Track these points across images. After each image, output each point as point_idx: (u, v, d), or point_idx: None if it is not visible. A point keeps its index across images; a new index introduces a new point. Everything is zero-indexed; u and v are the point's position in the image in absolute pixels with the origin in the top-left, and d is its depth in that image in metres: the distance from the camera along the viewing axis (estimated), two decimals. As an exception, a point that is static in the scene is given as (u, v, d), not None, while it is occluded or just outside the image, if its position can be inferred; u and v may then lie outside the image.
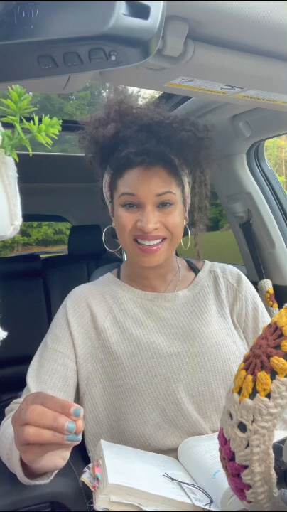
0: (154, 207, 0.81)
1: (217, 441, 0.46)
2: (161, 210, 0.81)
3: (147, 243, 0.81)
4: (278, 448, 0.45)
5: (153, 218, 0.79)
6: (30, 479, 0.64)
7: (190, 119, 0.83)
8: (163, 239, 0.82)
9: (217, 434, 0.46)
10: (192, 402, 0.81)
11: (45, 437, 0.53)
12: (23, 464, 0.63)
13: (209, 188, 0.90)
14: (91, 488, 0.61)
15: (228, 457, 0.43)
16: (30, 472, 0.63)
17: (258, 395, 0.39)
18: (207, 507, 0.61)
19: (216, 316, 0.90)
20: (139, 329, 0.85)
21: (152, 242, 0.81)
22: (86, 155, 0.90)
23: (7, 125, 0.34)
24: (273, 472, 0.41)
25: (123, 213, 0.82)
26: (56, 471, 0.66)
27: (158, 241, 0.81)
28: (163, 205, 0.81)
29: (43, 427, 0.53)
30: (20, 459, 0.63)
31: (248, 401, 0.40)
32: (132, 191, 0.80)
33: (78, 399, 0.86)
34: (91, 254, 2.37)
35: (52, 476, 0.66)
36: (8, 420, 0.77)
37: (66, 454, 0.59)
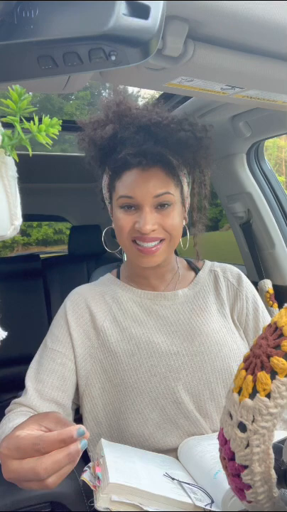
0: (152, 208, 0.80)
1: (217, 441, 0.46)
2: (159, 212, 0.81)
3: (145, 244, 0.81)
4: (278, 448, 0.45)
5: (151, 220, 0.79)
6: None
7: (188, 119, 0.83)
8: (162, 240, 0.82)
9: (217, 434, 0.46)
10: (192, 401, 0.81)
11: (66, 472, 0.53)
12: None
13: (209, 188, 0.90)
14: (92, 488, 0.61)
15: (228, 457, 0.43)
16: None
17: (258, 395, 0.39)
18: (207, 507, 0.61)
19: (216, 315, 0.90)
20: (139, 328, 0.85)
21: (150, 244, 0.81)
22: (86, 156, 0.90)
23: (7, 125, 0.34)
24: (273, 472, 0.41)
25: (121, 215, 0.82)
26: None
27: (156, 242, 0.81)
28: (161, 206, 0.81)
29: (62, 469, 0.53)
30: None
31: (248, 401, 0.40)
32: (130, 194, 0.80)
33: (78, 399, 0.86)
34: (91, 254, 2.37)
35: None
36: (6, 419, 0.77)
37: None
